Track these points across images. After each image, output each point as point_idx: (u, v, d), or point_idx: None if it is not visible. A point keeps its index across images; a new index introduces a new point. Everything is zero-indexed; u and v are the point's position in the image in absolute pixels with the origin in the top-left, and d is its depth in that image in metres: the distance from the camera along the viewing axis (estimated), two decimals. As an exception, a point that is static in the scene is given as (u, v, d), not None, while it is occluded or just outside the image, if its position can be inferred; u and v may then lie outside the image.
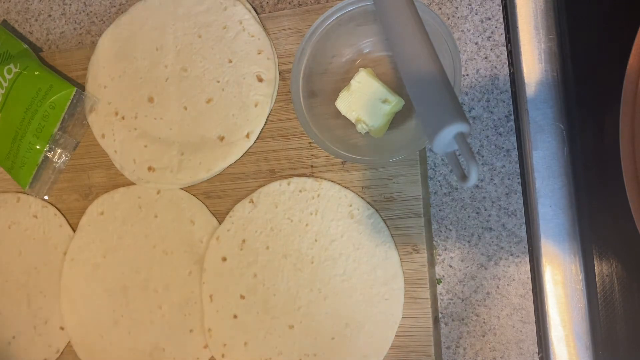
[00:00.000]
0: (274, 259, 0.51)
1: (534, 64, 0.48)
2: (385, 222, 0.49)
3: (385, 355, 0.48)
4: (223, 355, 0.52)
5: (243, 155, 0.53)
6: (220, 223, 0.54)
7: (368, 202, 0.49)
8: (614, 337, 0.45)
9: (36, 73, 0.57)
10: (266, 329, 0.51)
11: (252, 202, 0.52)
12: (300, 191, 0.51)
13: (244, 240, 0.52)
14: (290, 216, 0.51)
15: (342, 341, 0.49)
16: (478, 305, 0.49)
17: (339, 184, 0.50)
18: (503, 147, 0.49)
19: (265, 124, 0.53)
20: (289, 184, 0.51)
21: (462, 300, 0.49)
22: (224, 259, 0.52)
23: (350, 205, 0.50)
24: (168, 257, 0.55)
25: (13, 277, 0.60)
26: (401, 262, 0.48)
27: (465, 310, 0.49)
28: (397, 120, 0.48)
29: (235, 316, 0.52)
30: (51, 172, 0.59)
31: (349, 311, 0.49)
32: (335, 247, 0.50)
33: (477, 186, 0.49)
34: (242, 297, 0.52)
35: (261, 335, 0.51)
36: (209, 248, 0.53)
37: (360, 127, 0.48)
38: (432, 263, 0.50)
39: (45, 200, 0.60)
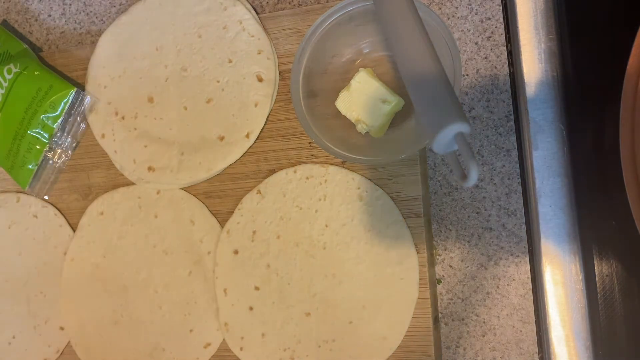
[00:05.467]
0: (285, 247, 0.51)
1: (534, 64, 0.48)
2: (395, 202, 0.49)
3: (404, 335, 0.48)
4: (241, 349, 0.52)
5: (243, 155, 0.53)
6: (220, 223, 0.54)
7: (376, 184, 0.49)
8: (614, 337, 0.45)
9: (36, 73, 0.57)
10: (283, 318, 0.51)
11: (260, 193, 0.52)
12: (307, 178, 0.51)
13: (254, 232, 0.52)
14: (299, 204, 0.51)
15: (360, 324, 0.49)
16: (478, 305, 0.49)
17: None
18: (503, 147, 0.49)
19: (265, 124, 0.53)
20: (295, 171, 0.51)
21: (462, 300, 0.49)
22: (236, 252, 0.52)
23: (359, 188, 0.50)
24: (168, 257, 0.55)
25: (13, 277, 0.60)
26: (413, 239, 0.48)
27: (465, 310, 0.49)
28: (397, 120, 0.48)
29: (251, 308, 0.52)
30: (51, 172, 0.59)
31: (364, 294, 0.49)
32: (346, 231, 0.50)
33: (477, 186, 0.49)
34: (257, 288, 0.52)
35: (278, 325, 0.51)
36: (219, 242, 0.53)
37: (360, 127, 0.48)
38: (432, 263, 0.50)
39: (45, 200, 0.60)
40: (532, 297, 0.48)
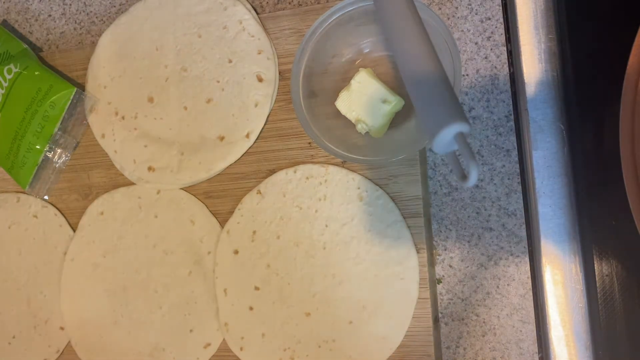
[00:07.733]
0: (285, 247, 0.51)
1: (534, 64, 0.48)
2: (395, 202, 0.49)
3: (404, 335, 0.48)
4: (241, 349, 0.52)
5: (243, 155, 0.53)
6: (220, 223, 0.54)
7: (376, 183, 0.49)
8: (614, 337, 0.45)
9: (36, 73, 0.57)
10: (283, 318, 0.51)
11: (260, 193, 0.52)
12: (307, 178, 0.51)
13: (254, 232, 0.52)
14: (299, 204, 0.51)
15: (360, 324, 0.49)
16: (478, 305, 0.49)
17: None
18: (503, 147, 0.49)
19: (265, 124, 0.53)
20: (295, 172, 0.51)
21: (462, 300, 0.49)
22: (236, 252, 0.52)
23: (359, 188, 0.50)
24: (168, 257, 0.55)
25: (13, 277, 0.60)
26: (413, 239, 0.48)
27: (465, 310, 0.49)
28: (397, 120, 0.48)
29: (251, 308, 0.52)
30: (51, 172, 0.59)
31: (364, 294, 0.49)
32: (346, 231, 0.50)
33: (477, 186, 0.49)
34: (257, 288, 0.52)
35: (278, 325, 0.51)
36: (219, 242, 0.53)
37: (360, 127, 0.48)
38: (432, 263, 0.50)
39: (45, 200, 0.60)
40: (532, 297, 0.48)
